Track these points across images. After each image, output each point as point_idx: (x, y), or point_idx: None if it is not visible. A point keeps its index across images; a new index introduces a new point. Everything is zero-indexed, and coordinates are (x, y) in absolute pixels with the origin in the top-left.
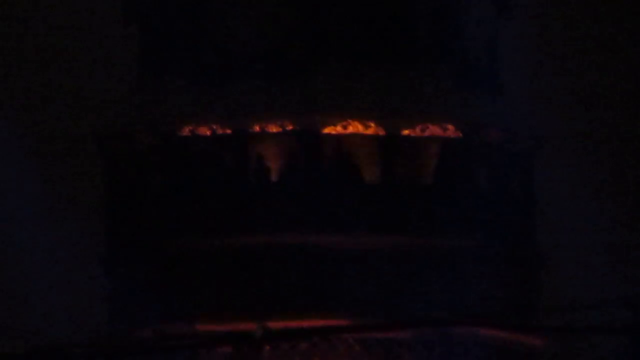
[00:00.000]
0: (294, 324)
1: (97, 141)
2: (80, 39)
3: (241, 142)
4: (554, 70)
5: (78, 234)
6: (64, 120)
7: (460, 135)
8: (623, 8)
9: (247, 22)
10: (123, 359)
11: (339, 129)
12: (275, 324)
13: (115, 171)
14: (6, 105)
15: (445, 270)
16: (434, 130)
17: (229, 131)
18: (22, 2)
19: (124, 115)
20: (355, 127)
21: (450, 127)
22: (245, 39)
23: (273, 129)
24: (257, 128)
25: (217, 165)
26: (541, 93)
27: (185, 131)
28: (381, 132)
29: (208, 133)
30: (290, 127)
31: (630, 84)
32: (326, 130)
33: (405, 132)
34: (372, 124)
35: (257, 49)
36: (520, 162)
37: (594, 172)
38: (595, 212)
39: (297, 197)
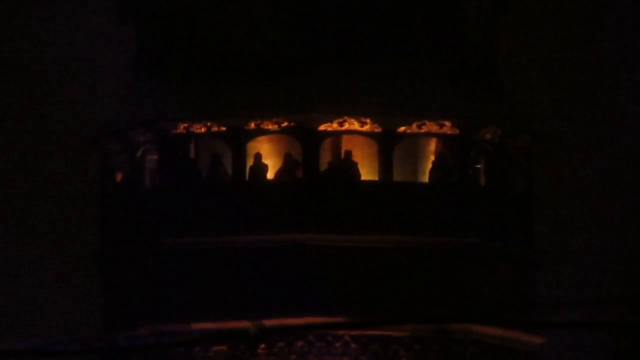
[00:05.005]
0: (289, 321)
1: (93, 139)
2: (76, 38)
3: (237, 139)
4: (553, 67)
5: (73, 232)
6: (60, 119)
7: (458, 132)
8: (623, 4)
9: (243, 20)
10: (118, 357)
11: (335, 126)
12: (270, 322)
13: (111, 168)
14: (4, 105)
15: (443, 268)
16: (430, 127)
17: (224, 128)
18: (20, 2)
19: (119, 113)
20: (351, 124)
21: (448, 123)
22: (242, 37)
23: (269, 126)
24: (252, 125)
25: (213, 162)
26: (540, 90)
27: (181, 129)
28: (377, 129)
29: (203, 130)
30: (286, 124)
31: (631, 81)
32: (322, 128)
33: (402, 129)
34: (369, 121)
35: (253, 47)
36: (519, 159)
37: (593, 169)
38: (594, 210)
39: (293, 195)
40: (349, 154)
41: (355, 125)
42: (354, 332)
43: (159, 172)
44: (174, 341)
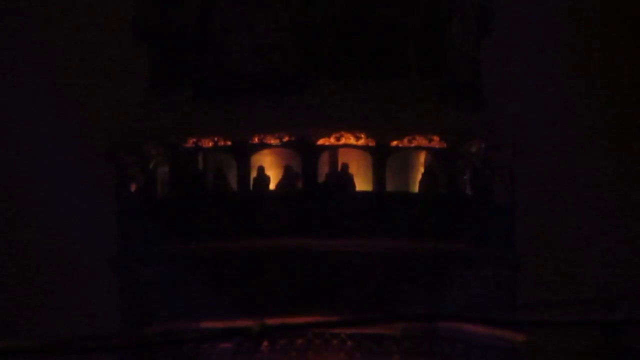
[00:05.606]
0: (290, 320)
1: (109, 151)
2: (93, 58)
3: (241, 153)
4: (534, 85)
5: (91, 238)
6: (78, 131)
7: (445, 145)
8: (604, 24)
9: (247, 43)
10: (132, 352)
11: (332, 140)
12: (272, 321)
13: (125, 178)
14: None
15: (431, 271)
16: (420, 141)
17: (230, 143)
18: (41, 24)
19: (134, 128)
20: (347, 139)
21: (436, 138)
22: (246, 58)
23: (271, 140)
24: (256, 140)
25: (219, 174)
26: (521, 106)
27: (190, 143)
28: (371, 143)
29: (211, 144)
30: (287, 139)
31: (609, 97)
32: (320, 142)
33: (394, 143)
34: (363, 136)
35: (256, 67)
36: (502, 170)
37: (571, 179)
38: (572, 217)
39: (293, 203)
40: (345, 166)
41: (351, 140)
42: (349, 331)
43: (170, 183)
44: (182, 339)
